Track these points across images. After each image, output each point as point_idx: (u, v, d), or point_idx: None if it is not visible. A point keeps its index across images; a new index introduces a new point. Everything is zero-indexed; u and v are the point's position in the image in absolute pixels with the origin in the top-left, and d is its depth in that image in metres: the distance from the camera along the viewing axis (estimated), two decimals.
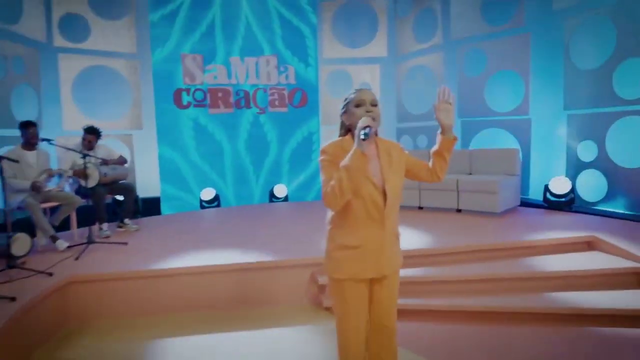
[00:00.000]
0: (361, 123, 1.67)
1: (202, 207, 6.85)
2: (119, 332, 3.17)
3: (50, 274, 3.33)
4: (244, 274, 3.59)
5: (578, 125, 5.53)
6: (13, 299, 2.83)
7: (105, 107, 6.86)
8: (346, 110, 1.89)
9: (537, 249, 3.90)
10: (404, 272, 3.09)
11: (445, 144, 1.89)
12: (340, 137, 1.91)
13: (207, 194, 6.88)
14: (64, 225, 4.64)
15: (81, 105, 6.69)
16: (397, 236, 1.91)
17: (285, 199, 7.22)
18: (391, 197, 1.81)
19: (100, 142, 5.05)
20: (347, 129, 1.90)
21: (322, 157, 1.81)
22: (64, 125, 6.55)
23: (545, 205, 5.57)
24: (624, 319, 2.93)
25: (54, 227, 4.32)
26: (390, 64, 7.93)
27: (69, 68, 6.58)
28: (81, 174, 4.33)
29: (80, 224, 4.79)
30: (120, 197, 5.45)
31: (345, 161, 1.66)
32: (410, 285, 3.37)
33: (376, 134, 2.00)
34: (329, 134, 7.80)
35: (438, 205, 5.55)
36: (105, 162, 4.75)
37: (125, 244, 4.25)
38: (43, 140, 4.20)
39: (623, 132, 5.03)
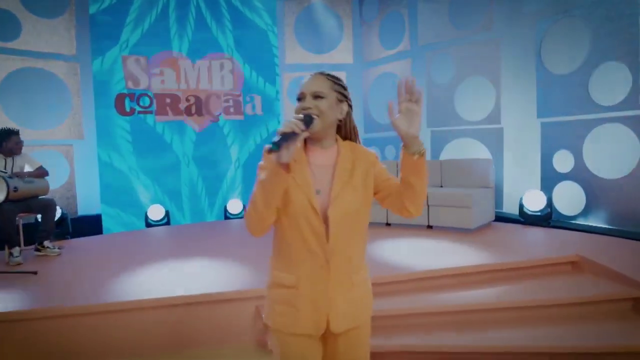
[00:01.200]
0: (280, 130, 1.17)
1: (148, 225, 6.13)
2: None
3: None
4: (175, 311, 2.94)
5: (553, 133, 5.19)
6: None
7: (41, 114, 6.10)
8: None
9: (518, 272, 3.43)
10: None
11: (410, 165, 1.27)
12: None
13: (154, 210, 6.17)
14: None
15: (10, 111, 5.91)
16: (356, 280, 1.35)
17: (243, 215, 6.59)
18: (336, 226, 1.28)
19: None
20: None
21: (260, 163, 1.31)
22: None
23: (522, 220, 5.16)
24: (625, 357, 2.46)
25: None
26: (357, 71, 7.50)
27: None
28: None
29: None
30: (38, 216, 4.69)
31: (263, 174, 1.23)
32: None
33: (354, 136, 1.45)
34: None
35: (407, 222, 5.05)
36: (17, 175, 4.03)
37: (35, 273, 3.52)
38: None
39: (601, 141, 4.70)
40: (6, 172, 3.96)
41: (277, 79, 6.97)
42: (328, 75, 1.36)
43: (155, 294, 2.98)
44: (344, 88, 1.38)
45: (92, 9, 6.13)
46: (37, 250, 4.17)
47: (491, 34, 5.78)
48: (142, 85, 6.32)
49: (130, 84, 6.27)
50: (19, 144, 4.23)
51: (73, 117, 6.36)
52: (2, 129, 4.19)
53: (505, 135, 5.73)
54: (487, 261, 3.49)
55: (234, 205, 6.55)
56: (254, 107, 6.84)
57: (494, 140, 5.80)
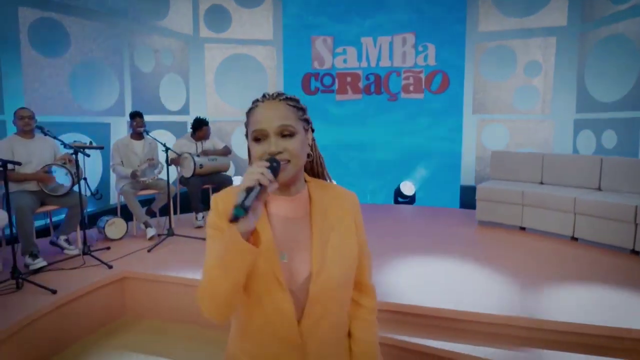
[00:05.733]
0: (243, 185, 0.85)
1: None
2: (153, 337, 3.01)
3: (110, 266, 3.39)
4: None
5: None
6: (54, 291, 2.91)
7: (244, 94, 7.04)
8: (247, 135, 1.07)
9: None
10: None
11: None
12: None
13: None
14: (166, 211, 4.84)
15: (222, 92, 7.00)
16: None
17: (411, 201, 6.26)
18: (315, 304, 0.99)
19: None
20: None
21: (208, 218, 1.06)
22: (208, 111, 6.97)
23: None
24: None
25: (153, 213, 4.53)
26: (572, 35, 5.98)
27: (212, 57, 6.92)
28: (174, 164, 4.42)
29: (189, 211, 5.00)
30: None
31: (219, 246, 0.90)
32: None
33: (322, 169, 1.16)
34: (480, 126, 6.43)
35: (602, 240, 3.85)
36: (204, 152, 4.77)
37: (204, 239, 4.14)
38: (144, 130, 4.37)
39: None
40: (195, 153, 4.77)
41: (462, 50, 6.18)
42: (286, 99, 1.02)
43: None
44: (305, 110, 1.05)
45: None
46: None
47: None
48: (327, 65, 6.52)
49: (316, 64, 6.56)
50: (208, 132, 4.98)
51: None
52: (197, 120, 4.98)
53: None
54: None
55: (407, 188, 6.27)
56: (435, 85, 6.27)
57: None
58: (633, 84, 5.16)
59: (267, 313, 0.97)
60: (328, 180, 1.16)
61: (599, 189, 4.29)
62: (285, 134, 0.97)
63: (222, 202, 1.03)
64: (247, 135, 1.05)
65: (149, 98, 6.00)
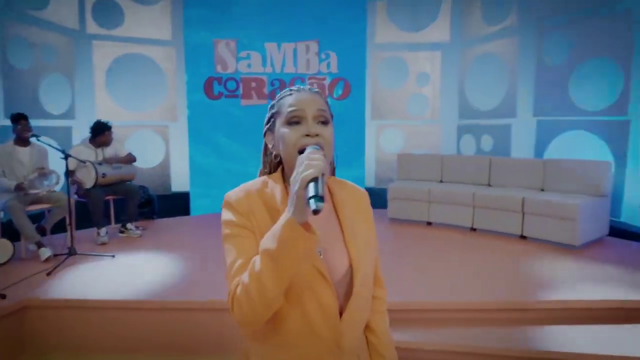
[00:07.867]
0: (305, 171, 0.79)
1: None
2: None
3: (3, 296, 2.87)
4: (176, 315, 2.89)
5: None
6: None
7: (140, 97, 6.51)
8: (270, 128, 1.07)
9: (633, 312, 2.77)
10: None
11: None
12: (261, 178, 1.08)
13: None
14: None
15: (115, 95, 6.39)
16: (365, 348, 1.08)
17: None
18: (358, 301, 0.98)
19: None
20: (278, 162, 1.07)
21: (224, 218, 0.97)
22: (97, 116, 6.28)
23: None
24: None
25: (44, 231, 3.95)
26: (454, 50, 6.75)
27: (102, 56, 6.29)
28: (72, 174, 3.91)
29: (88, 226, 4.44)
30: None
31: (268, 241, 0.82)
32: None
33: (334, 169, 1.19)
34: (379, 130, 6.87)
35: (496, 228, 4.45)
36: (106, 161, 4.30)
37: (112, 256, 3.75)
38: (32, 135, 3.79)
39: None
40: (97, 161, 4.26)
41: (363, 60, 6.56)
42: (317, 92, 1.05)
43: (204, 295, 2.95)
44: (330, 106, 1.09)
45: None
46: (121, 232, 4.47)
47: (623, 4, 4.70)
48: (230, 69, 6.37)
49: (219, 68, 6.36)
50: (111, 137, 4.51)
51: (169, 100, 6.69)
52: (97, 125, 4.48)
53: (634, 130, 4.70)
54: (605, 296, 2.86)
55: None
56: (337, 91, 6.53)
57: (618, 136, 4.79)
58: (503, 96, 6.02)
59: (307, 311, 0.92)
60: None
61: (489, 184, 4.92)
62: (322, 120, 0.99)
63: (246, 200, 0.98)
64: (270, 128, 1.06)
65: (26, 99, 5.20)
